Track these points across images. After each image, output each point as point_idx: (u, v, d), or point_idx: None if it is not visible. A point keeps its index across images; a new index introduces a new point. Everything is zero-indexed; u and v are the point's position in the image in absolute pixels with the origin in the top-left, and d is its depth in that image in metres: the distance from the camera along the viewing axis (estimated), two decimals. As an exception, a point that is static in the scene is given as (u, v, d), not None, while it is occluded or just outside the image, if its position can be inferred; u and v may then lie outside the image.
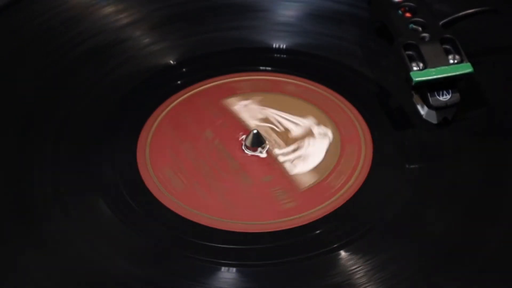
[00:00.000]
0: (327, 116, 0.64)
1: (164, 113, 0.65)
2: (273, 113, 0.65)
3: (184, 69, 0.68)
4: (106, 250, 0.55)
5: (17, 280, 0.53)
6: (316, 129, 0.63)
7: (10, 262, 0.54)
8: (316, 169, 0.60)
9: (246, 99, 0.66)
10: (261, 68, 0.68)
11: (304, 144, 0.62)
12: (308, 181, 0.60)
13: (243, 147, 0.62)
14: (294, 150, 0.62)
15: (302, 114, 0.64)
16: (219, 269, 0.54)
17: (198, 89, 0.67)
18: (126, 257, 0.55)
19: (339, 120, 0.64)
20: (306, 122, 0.64)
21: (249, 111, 0.65)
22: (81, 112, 0.64)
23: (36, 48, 0.69)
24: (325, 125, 0.63)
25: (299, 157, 0.61)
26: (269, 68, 0.68)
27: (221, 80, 0.67)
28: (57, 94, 0.65)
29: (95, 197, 0.59)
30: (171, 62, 0.69)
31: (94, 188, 0.59)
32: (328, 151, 0.62)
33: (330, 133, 0.63)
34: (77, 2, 0.72)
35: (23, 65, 0.68)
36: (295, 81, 0.67)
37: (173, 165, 0.61)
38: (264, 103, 0.65)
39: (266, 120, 0.64)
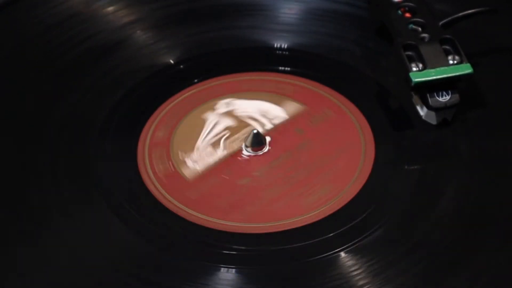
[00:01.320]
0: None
1: (163, 112, 0.65)
2: (263, 113, 0.65)
3: (183, 69, 0.68)
4: (105, 251, 0.55)
5: (17, 280, 0.53)
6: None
7: (10, 263, 0.54)
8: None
9: (241, 99, 0.66)
10: (261, 68, 0.68)
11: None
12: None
13: (243, 148, 0.62)
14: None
15: (293, 114, 0.64)
16: (219, 270, 0.54)
17: (198, 89, 0.67)
18: (126, 258, 0.55)
19: (337, 120, 0.64)
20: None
21: (241, 111, 0.65)
22: (80, 111, 0.64)
23: (36, 47, 0.69)
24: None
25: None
26: (269, 68, 0.68)
27: (221, 80, 0.67)
28: (56, 94, 0.65)
29: (94, 197, 0.58)
30: (171, 61, 0.69)
31: (94, 188, 0.59)
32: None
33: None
34: (77, 1, 0.72)
35: (23, 64, 0.68)
36: (294, 81, 0.67)
37: (174, 166, 0.61)
38: (255, 103, 0.65)
39: (257, 120, 0.64)
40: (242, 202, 0.58)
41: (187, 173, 0.61)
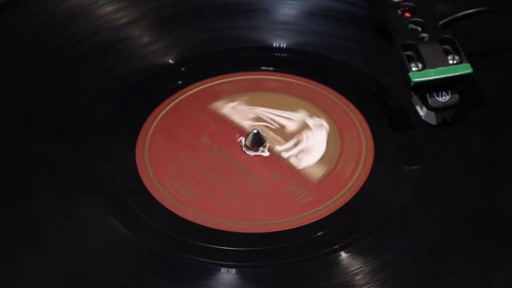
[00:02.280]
0: (319, 109, 0.64)
1: (163, 112, 0.64)
2: (263, 111, 0.65)
3: (183, 69, 0.68)
4: (105, 251, 0.55)
5: (17, 280, 0.53)
6: (311, 121, 0.63)
7: (9, 262, 0.54)
8: (322, 159, 0.61)
9: (232, 100, 0.65)
10: (262, 67, 0.68)
11: (303, 137, 0.62)
12: (318, 172, 0.60)
13: (243, 149, 0.62)
14: (295, 145, 0.62)
15: (292, 109, 0.64)
16: (219, 270, 0.54)
17: (197, 89, 0.66)
18: (125, 258, 0.55)
19: (339, 119, 0.64)
20: (298, 116, 0.64)
21: (239, 112, 0.65)
22: (79, 111, 0.64)
23: (35, 47, 0.69)
24: (319, 116, 0.63)
25: (302, 150, 0.62)
26: (270, 68, 0.68)
27: (221, 79, 0.67)
28: (55, 94, 0.65)
29: (94, 197, 0.58)
30: (170, 61, 0.68)
31: (93, 189, 0.59)
32: (328, 141, 0.62)
33: (325, 123, 0.63)
34: (76, 1, 0.72)
35: (22, 64, 0.68)
36: (294, 80, 0.67)
37: (171, 160, 0.61)
38: (253, 103, 0.65)
39: (258, 119, 0.64)
40: (241, 201, 0.58)
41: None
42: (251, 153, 0.61)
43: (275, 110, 0.65)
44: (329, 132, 0.63)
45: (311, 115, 0.64)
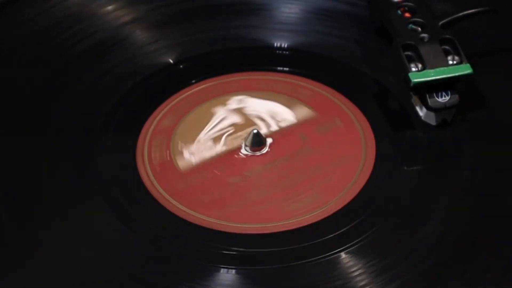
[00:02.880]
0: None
1: (163, 112, 0.65)
2: (265, 112, 0.65)
3: (183, 68, 0.68)
4: (105, 251, 0.55)
5: (17, 280, 0.53)
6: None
7: (9, 262, 0.54)
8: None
9: (242, 98, 0.66)
10: (262, 67, 0.68)
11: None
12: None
13: (243, 148, 0.62)
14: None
15: (296, 113, 0.64)
16: (219, 271, 0.54)
17: (197, 89, 0.66)
18: (125, 258, 0.55)
19: (339, 119, 0.64)
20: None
21: (240, 111, 0.65)
22: (79, 111, 0.64)
23: (35, 46, 0.69)
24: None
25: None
26: (269, 67, 0.68)
27: (221, 79, 0.67)
28: (55, 94, 0.65)
29: (93, 197, 0.58)
30: (171, 61, 0.68)
31: (93, 188, 0.59)
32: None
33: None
34: (76, 1, 0.72)
35: (22, 63, 0.68)
36: (295, 81, 0.67)
37: (173, 166, 0.61)
38: (256, 102, 0.65)
39: (260, 119, 0.64)
40: (225, 199, 0.58)
41: (181, 164, 0.61)
42: (251, 153, 0.61)
43: (275, 112, 0.64)
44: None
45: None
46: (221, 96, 0.66)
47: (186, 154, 0.62)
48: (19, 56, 0.68)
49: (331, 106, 0.65)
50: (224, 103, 0.65)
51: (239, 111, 0.65)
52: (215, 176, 0.60)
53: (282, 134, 0.63)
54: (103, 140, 0.62)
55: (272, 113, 0.64)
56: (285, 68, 0.68)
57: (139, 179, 0.60)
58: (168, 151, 0.62)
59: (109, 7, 0.72)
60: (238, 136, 0.63)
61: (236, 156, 0.61)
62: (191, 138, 0.63)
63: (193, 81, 0.67)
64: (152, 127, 0.64)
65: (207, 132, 0.63)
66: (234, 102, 0.65)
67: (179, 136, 0.63)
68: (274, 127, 0.63)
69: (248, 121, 0.64)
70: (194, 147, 0.62)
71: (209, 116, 0.64)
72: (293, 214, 0.57)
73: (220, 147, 0.62)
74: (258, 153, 0.61)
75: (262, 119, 0.64)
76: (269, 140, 0.62)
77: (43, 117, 0.64)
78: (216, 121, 0.64)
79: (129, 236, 0.56)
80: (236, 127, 0.63)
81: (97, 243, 0.56)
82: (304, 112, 0.64)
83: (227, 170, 0.60)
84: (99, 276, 0.54)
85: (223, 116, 0.64)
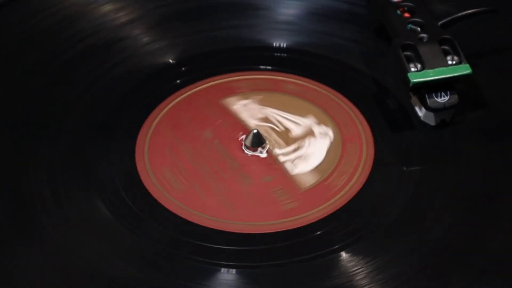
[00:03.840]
0: (327, 115, 0.64)
1: (163, 112, 0.65)
2: (272, 113, 0.65)
3: (183, 68, 0.68)
4: (105, 251, 0.55)
5: (17, 280, 0.54)
6: (317, 129, 0.63)
7: (9, 262, 0.54)
8: (317, 169, 0.61)
9: (246, 98, 0.66)
10: (261, 67, 0.68)
11: (305, 144, 0.62)
12: (309, 181, 0.60)
13: (243, 147, 0.62)
14: (295, 150, 0.62)
15: (302, 114, 0.64)
16: (219, 270, 0.54)
17: (197, 89, 0.66)
18: (125, 259, 0.55)
19: (340, 119, 0.64)
20: (307, 122, 0.64)
21: (249, 110, 0.65)
22: (79, 111, 0.64)
23: (34, 46, 0.69)
24: (326, 125, 0.63)
25: (299, 157, 0.62)
26: (269, 67, 0.68)
27: (220, 79, 0.67)
28: (55, 93, 0.65)
29: (93, 197, 0.58)
30: (170, 61, 0.68)
31: (93, 188, 0.59)
32: (329, 151, 0.62)
33: (331, 133, 0.63)
34: (75, 1, 0.72)
35: (21, 63, 0.67)
36: (295, 80, 0.67)
37: (173, 166, 0.61)
38: (264, 103, 0.65)
39: (265, 119, 0.64)
40: (241, 201, 0.58)
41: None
42: (249, 152, 0.61)
43: (285, 113, 0.64)
44: (332, 142, 0.62)
45: (319, 122, 0.64)
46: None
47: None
48: (19, 56, 0.68)
49: (331, 105, 0.65)
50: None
51: (236, 114, 0.65)
52: (216, 176, 0.60)
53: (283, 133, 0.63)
54: (103, 140, 0.62)
55: (280, 115, 0.65)
56: (285, 68, 0.68)
57: (138, 179, 0.60)
58: (168, 151, 0.62)
59: (109, 7, 0.72)
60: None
61: (236, 156, 0.61)
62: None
63: (193, 81, 0.67)
64: (152, 127, 0.64)
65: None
66: (239, 105, 0.65)
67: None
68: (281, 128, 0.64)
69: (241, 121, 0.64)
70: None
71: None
72: (293, 213, 0.57)
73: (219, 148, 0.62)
74: (257, 153, 0.61)
75: (269, 121, 0.64)
76: (269, 140, 0.62)
77: (43, 117, 0.64)
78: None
79: (129, 236, 0.56)
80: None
81: (97, 243, 0.56)
82: (313, 117, 0.64)
83: (226, 169, 0.60)
84: (99, 276, 0.54)
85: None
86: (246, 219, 0.57)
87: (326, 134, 0.63)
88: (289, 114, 0.64)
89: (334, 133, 0.63)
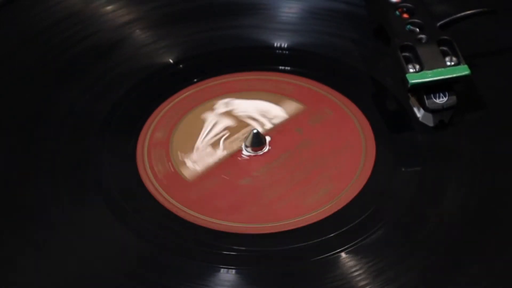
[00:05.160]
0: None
1: (163, 112, 0.65)
2: (263, 112, 0.65)
3: (183, 68, 0.68)
4: (105, 251, 0.56)
5: (17, 280, 0.54)
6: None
7: (9, 263, 0.55)
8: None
9: (240, 98, 0.66)
10: (261, 67, 0.68)
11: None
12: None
13: (243, 148, 0.62)
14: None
15: (293, 113, 0.65)
16: (219, 271, 0.54)
17: (197, 89, 0.67)
18: (125, 259, 0.55)
19: (337, 120, 0.64)
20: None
21: (240, 111, 0.65)
22: (79, 111, 0.64)
23: (34, 46, 0.69)
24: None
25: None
26: (269, 67, 0.68)
27: (220, 79, 0.67)
28: (55, 93, 0.65)
29: (93, 197, 0.59)
30: (170, 61, 0.69)
31: (93, 188, 0.59)
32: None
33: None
34: (75, 1, 0.72)
35: (21, 63, 0.68)
36: (294, 81, 0.67)
37: (174, 170, 0.61)
38: (255, 103, 0.65)
39: (258, 120, 0.64)
40: (242, 202, 0.59)
41: (187, 173, 0.61)
42: (251, 153, 0.62)
43: (274, 112, 0.65)
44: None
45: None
46: (216, 97, 0.66)
47: (189, 163, 0.62)
48: (19, 56, 0.68)
49: (331, 105, 0.65)
50: (212, 108, 0.65)
51: (228, 114, 0.65)
52: (225, 181, 0.60)
53: (278, 130, 0.63)
54: (103, 140, 0.62)
55: (262, 111, 0.65)
56: (285, 68, 0.68)
57: (138, 179, 0.60)
58: (170, 163, 0.62)
59: (109, 7, 0.72)
60: (235, 138, 0.63)
61: (239, 158, 0.61)
62: (189, 146, 0.63)
63: (194, 81, 0.67)
64: (152, 127, 0.64)
65: (203, 139, 0.63)
66: (222, 105, 0.65)
67: (178, 138, 0.63)
68: (268, 125, 0.64)
69: (241, 122, 0.64)
70: (194, 155, 0.62)
71: (200, 123, 0.64)
72: (292, 214, 0.58)
73: (220, 152, 0.62)
74: (260, 153, 0.62)
75: (254, 119, 0.64)
76: (267, 138, 0.62)
77: (43, 117, 0.64)
78: (209, 127, 0.64)
79: (129, 236, 0.56)
80: (230, 129, 0.63)
81: (97, 244, 0.56)
82: (301, 110, 0.65)
83: (234, 173, 0.60)
84: (99, 277, 0.54)
85: (215, 121, 0.64)
86: (247, 220, 0.57)
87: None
88: (280, 113, 0.65)
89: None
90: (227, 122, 0.64)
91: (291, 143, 0.62)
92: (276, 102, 0.65)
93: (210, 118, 0.64)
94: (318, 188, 0.59)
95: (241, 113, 0.65)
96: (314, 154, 0.62)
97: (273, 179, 0.60)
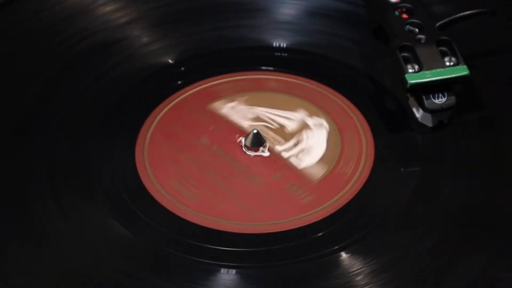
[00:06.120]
0: (320, 109, 0.64)
1: (163, 112, 0.65)
2: (263, 111, 0.65)
3: (183, 69, 0.68)
4: (105, 251, 0.56)
5: (17, 280, 0.54)
6: (310, 121, 0.64)
7: (9, 263, 0.55)
8: (323, 159, 0.61)
9: (232, 101, 0.66)
10: (261, 67, 0.68)
11: (303, 137, 0.63)
12: (319, 172, 0.60)
13: (243, 149, 0.62)
14: (295, 145, 0.62)
15: (292, 109, 0.65)
16: (221, 271, 0.55)
17: (197, 89, 0.67)
18: (125, 259, 0.55)
19: (337, 117, 0.64)
20: (298, 116, 0.64)
21: (238, 112, 0.65)
22: (78, 111, 0.64)
23: (34, 47, 0.69)
24: (318, 116, 0.64)
25: (302, 150, 0.62)
26: (269, 68, 0.68)
27: (221, 79, 0.67)
28: (55, 93, 0.65)
29: (93, 197, 0.59)
30: (170, 61, 0.69)
31: (92, 188, 0.59)
32: (328, 141, 0.62)
33: (325, 123, 0.63)
34: (75, 1, 0.72)
35: (21, 64, 0.68)
36: (294, 80, 0.67)
37: (174, 170, 0.61)
38: (253, 102, 0.65)
39: (257, 119, 0.64)
40: (239, 201, 0.59)
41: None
42: (251, 153, 0.62)
43: (275, 110, 0.65)
44: (329, 131, 0.63)
45: (311, 114, 0.64)
46: (222, 97, 0.66)
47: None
48: (19, 56, 0.68)
49: (331, 105, 0.65)
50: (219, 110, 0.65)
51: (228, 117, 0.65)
52: (215, 176, 0.60)
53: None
54: (103, 140, 0.62)
55: (270, 112, 0.65)
56: (284, 68, 0.68)
57: (138, 179, 0.60)
58: (167, 151, 0.62)
59: (109, 7, 0.72)
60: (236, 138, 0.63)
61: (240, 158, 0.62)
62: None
63: (193, 81, 0.67)
64: (152, 127, 0.64)
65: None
66: (227, 108, 0.65)
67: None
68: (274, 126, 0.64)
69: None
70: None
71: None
72: (293, 214, 0.58)
73: (219, 149, 0.62)
74: (258, 153, 0.62)
75: (262, 120, 0.65)
76: (269, 141, 0.63)
77: (43, 117, 0.64)
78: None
79: (129, 236, 0.56)
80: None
81: (97, 243, 0.56)
82: (303, 111, 0.65)
83: (226, 170, 0.61)
84: (99, 276, 0.54)
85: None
86: (246, 219, 0.57)
87: (321, 125, 0.63)
88: (280, 111, 0.65)
89: (329, 124, 0.63)
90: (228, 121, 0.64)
91: (292, 145, 0.62)
92: (288, 105, 0.65)
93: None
94: (318, 188, 0.59)
95: (247, 112, 0.65)
96: (314, 152, 0.62)
97: (272, 179, 0.60)
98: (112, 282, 0.54)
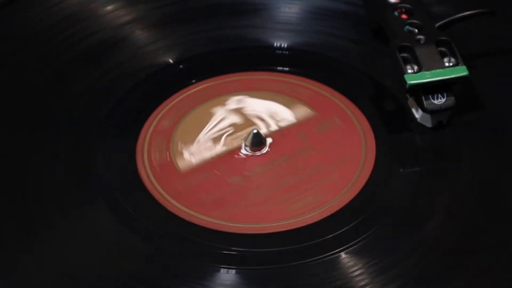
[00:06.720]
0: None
1: (163, 112, 0.65)
2: (263, 111, 0.65)
3: (183, 68, 0.68)
4: (105, 251, 0.56)
5: (17, 280, 0.54)
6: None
7: (9, 263, 0.55)
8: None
9: (241, 98, 0.66)
10: (261, 67, 0.68)
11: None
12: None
13: (243, 149, 0.62)
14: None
15: (295, 112, 0.65)
16: (219, 271, 0.55)
17: (197, 89, 0.67)
18: (125, 259, 0.55)
19: (337, 118, 0.64)
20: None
21: (239, 111, 0.65)
22: (79, 111, 0.64)
23: (34, 46, 0.69)
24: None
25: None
26: (269, 68, 0.68)
27: (221, 79, 0.67)
28: (55, 93, 0.66)
29: (93, 197, 0.59)
30: (170, 61, 0.69)
31: (92, 188, 0.59)
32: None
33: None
34: (75, 1, 0.72)
35: (21, 64, 0.68)
36: (293, 80, 0.67)
37: (174, 170, 0.61)
38: (253, 102, 0.65)
39: (257, 118, 0.64)
40: (226, 199, 0.59)
41: (181, 164, 0.61)
42: (251, 153, 0.62)
43: (275, 110, 0.65)
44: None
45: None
46: (221, 96, 0.66)
47: (186, 154, 0.62)
48: (19, 56, 0.68)
49: (331, 105, 0.65)
50: (223, 103, 0.65)
51: (238, 111, 0.65)
52: (216, 176, 0.60)
53: (282, 133, 0.63)
54: (103, 140, 0.63)
55: (271, 113, 0.65)
56: (284, 68, 0.68)
57: (139, 180, 0.60)
58: (168, 152, 0.62)
59: (109, 7, 0.72)
60: (237, 136, 0.63)
61: (236, 156, 0.62)
62: (191, 138, 0.63)
63: (193, 81, 0.67)
64: (152, 127, 0.64)
65: (206, 133, 0.63)
66: (233, 102, 0.65)
67: (178, 137, 0.63)
68: (274, 127, 0.64)
69: (248, 121, 0.64)
70: (194, 147, 0.62)
71: (209, 116, 0.64)
72: (293, 214, 0.58)
73: (220, 147, 0.62)
74: (258, 153, 0.62)
75: (262, 119, 0.64)
76: (269, 140, 0.62)
77: (43, 117, 0.64)
78: (216, 121, 0.64)
79: (129, 236, 0.56)
80: (236, 127, 0.64)
81: (97, 244, 0.56)
82: (304, 111, 0.65)
83: (227, 170, 0.61)
84: (99, 276, 0.54)
85: (223, 116, 0.65)
86: (246, 219, 0.58)
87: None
88: (280, 112, 0.65)
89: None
90: (235, 119, 0.64)
91: (291, 147, 0.62)
92: (288, 105, 0.65)
93: (219, 113, 0.64)
94: (317, 189, 0.59)
95: (251, 112, 0.65)
96: (315, 152, 0.62)
97: (263, 181, 0.60)
98: (112, 282, 0.54)
